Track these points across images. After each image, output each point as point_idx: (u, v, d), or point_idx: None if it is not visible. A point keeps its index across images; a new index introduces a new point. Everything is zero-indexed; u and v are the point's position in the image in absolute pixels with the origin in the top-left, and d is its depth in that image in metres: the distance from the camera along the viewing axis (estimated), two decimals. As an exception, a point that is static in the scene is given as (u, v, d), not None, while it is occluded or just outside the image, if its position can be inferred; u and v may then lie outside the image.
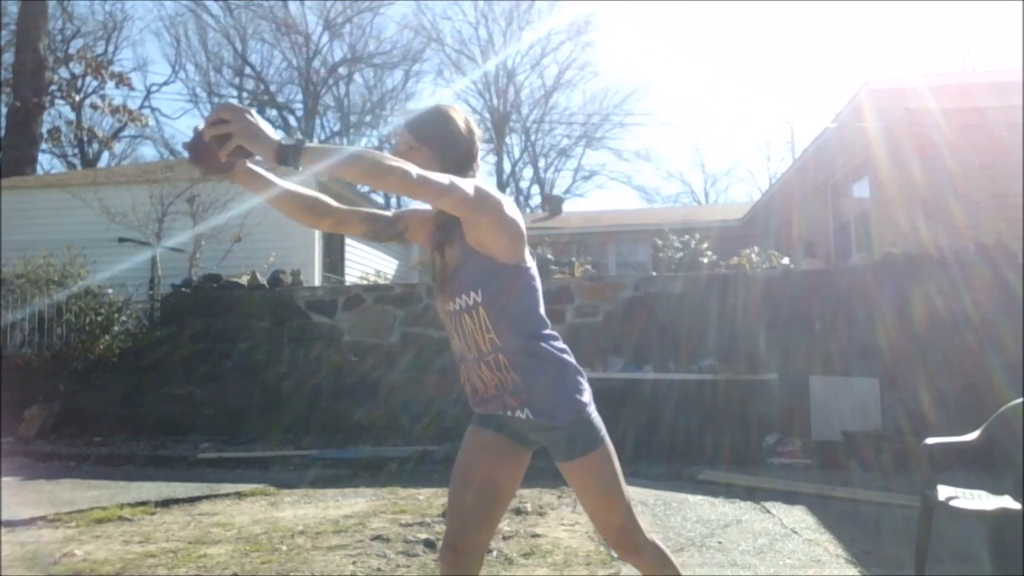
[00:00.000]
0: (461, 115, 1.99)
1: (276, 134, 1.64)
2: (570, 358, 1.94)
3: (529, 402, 1.88)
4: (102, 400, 8.68)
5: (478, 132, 2.01)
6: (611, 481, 1.92)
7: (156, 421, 8.29)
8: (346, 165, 1.63)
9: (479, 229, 1.83)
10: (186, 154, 1.72)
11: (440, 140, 1.91)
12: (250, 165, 1.86)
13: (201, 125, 1.65)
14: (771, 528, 4.30)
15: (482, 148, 2.04)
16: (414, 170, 1.64)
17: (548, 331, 1.94)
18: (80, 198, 10.81)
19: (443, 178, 1.70)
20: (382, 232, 2.07)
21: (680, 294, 7.54)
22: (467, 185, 1.75)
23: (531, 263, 1.95)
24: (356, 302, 8.35)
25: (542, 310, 1.96)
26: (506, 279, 1.87)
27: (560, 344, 1.94)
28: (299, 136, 1.62)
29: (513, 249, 1.87)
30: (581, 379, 1.93)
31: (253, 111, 1.66)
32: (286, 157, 1.60)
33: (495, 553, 3.80)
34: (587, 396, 1.92)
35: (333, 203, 2.00)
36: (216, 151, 1.62)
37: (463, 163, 1.93)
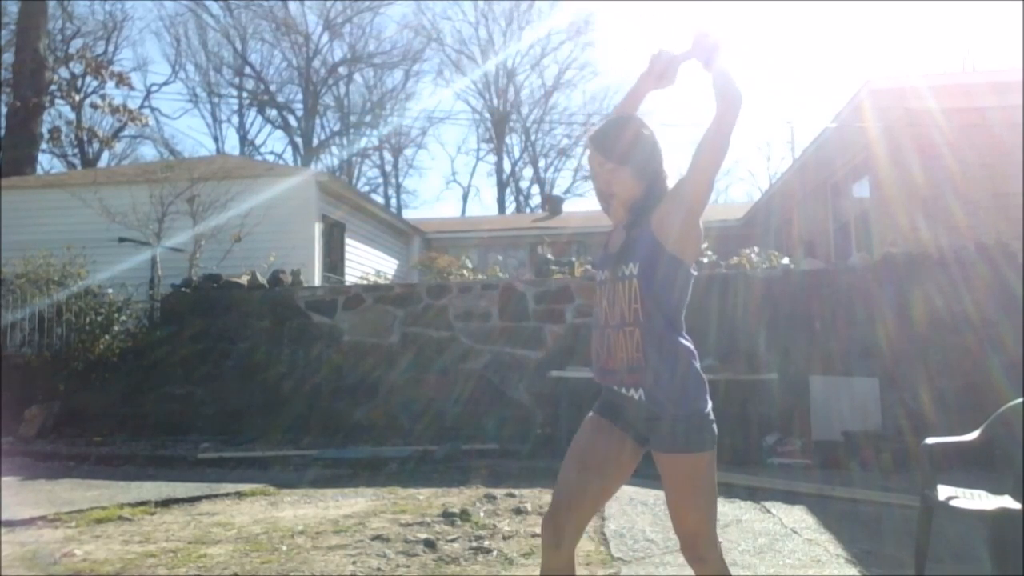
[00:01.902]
0: (638, 120, 2.10)
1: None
2: (696, 362, 1.99)
3: (645, 384, 1.93)
4: (102, 400, 8.68)
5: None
6: (703, 489, 1.95)
7: (156, 421, 8.29)
8: (731, 103, 1.95)
9: (676, 213, 1.95)
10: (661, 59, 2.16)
11: (634, 156, 2.04)
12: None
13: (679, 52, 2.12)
14: (771, 528, 4.30)
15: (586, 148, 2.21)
16: (731, 135, 1.94)
17: (684, 334, 2.01)
18: (80, 198, 10.81)
19: (727, 141, 1.96)
20: (603, 195, 2.16)
21: (680, 294, 7.53)
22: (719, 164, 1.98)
23: (694, 272, 2.06)
24: (356, 302, 8.35)
25: (683, 315, 2.04)
26: (665, 265, 1.96)
27: (691, 347, 2.00)
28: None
29: (687, 247, 1.99)
30: (706, 391, 1.97)
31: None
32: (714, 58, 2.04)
33: (495, 553, 3.80)
34: (709, 405, 1.96)
35: None
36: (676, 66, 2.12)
37: (658, 176, 2.07)
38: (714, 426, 1.95)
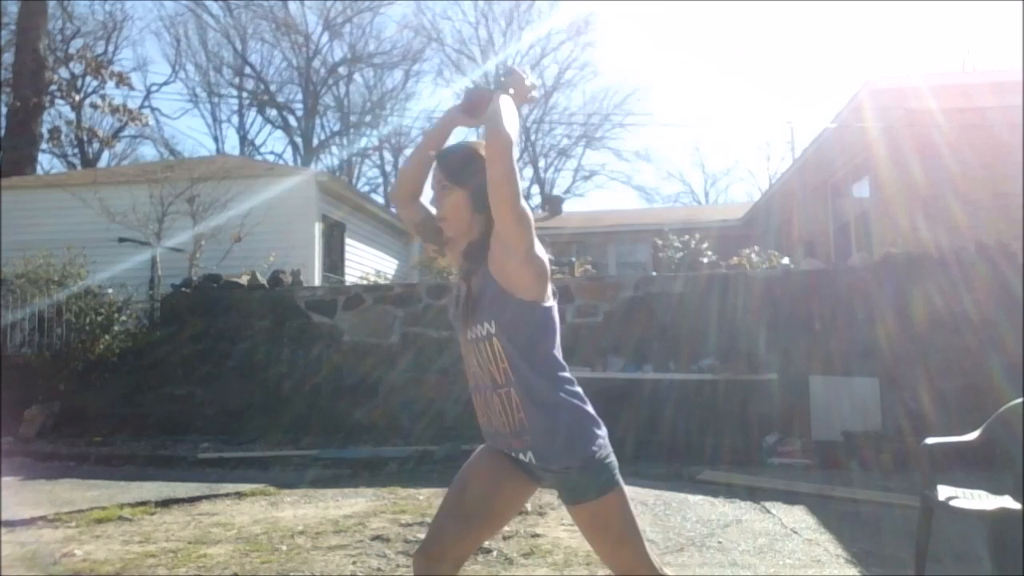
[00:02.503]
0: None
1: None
2: (584, 404, 1.88)
3: (534, 446, 1.84)
4: (102, 400, 8.68)
5: None
6: (621, 528, 1.85)
7: (156, 421, 8.29)
8: (500, 133, 1.77)
9: (508, 259, 1.81)
10: (465, 97, 2.03)
11: (473, 180, 1.89)
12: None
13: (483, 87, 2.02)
14: (771, 528, 4.30)
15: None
16: (513, 150, 1.75)
17: (563, 374, 1.89)
18: (80, 198, 10.81)
19: (517, 176, 1.77)
20: (431, 234, 2.07)
21: (680, 294, 7.54)
22: (525, 206, 1.79)
23: (551, 302, 1.93)
24: (356, 302, 8.35)
25: (558, 352, 1.92)
26: (522, 314, 1.85)
27: (575, 388, 1.89)
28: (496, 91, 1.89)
29: (535, 285, 1.85)
30: (593, 427, 1.86)
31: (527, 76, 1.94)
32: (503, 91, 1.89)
33: (495, 553, 3.80)
34: (598, 443, 1.84)
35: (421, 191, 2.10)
36: (486, 103, 1.90)
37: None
38: (611, 462, 1.84)
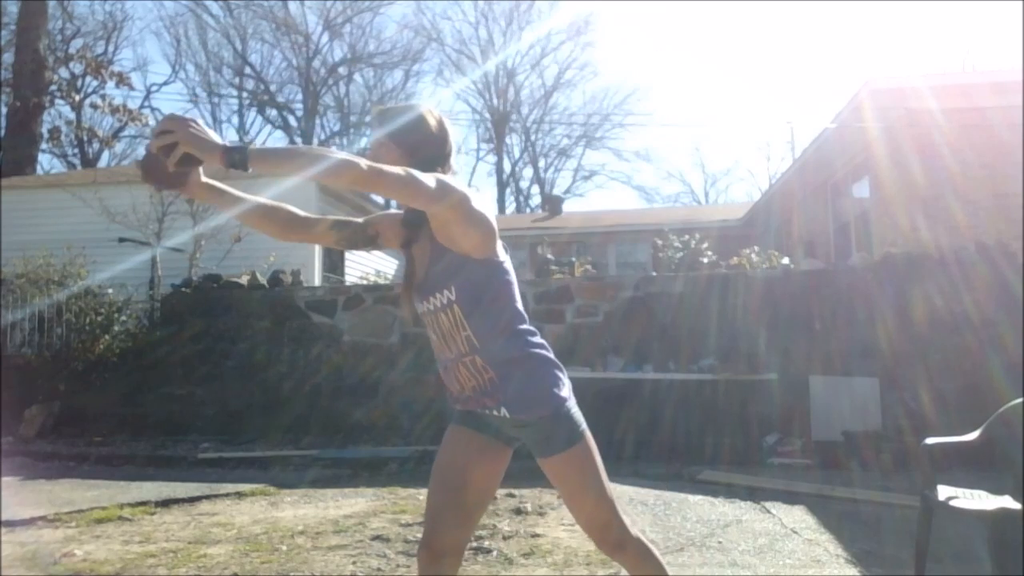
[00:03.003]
0: (435, 114, 1.96)
1: (220, 140, 1.64)
2: (548, 353, 1.91)
3: (506, 400, 1.86)
4: (102, 400, 8.68)
5: (452, 132, 1.97)
6: (592, 477, 1.88)
7: (156, 421, 8.29)
8: (294, 164, 1.63)
9: (448, 225, 1.79)
10: (139, 173, 1.73)
11: (409, 138, 1.88)
12: (208, 180, 1.85)
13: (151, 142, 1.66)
14: (771, 528, 4.30)
15: (457, 150, 2.00)
16: (363, 162, 1.62)
17: (525, 326, 1.91)
18: (80, 198, 10.81)
19: (398, 170, 1.67)
20: (353, 239, 2.03)
21: (680, 294, 7.54)
22: (427, 178, 1.71)
23: (504, 257, 1.92)
24: (356, 302, 8.35)
25: (518, 304, 1.93)
26: (478, 274, 1.85)
27: (538, 339, 1.92)
28: (244, 141, 1.64)
29: (484, 244, 1.84)
30: (559, 373, 1.91)
31: (198, 120, 1.65)
32: (233, 160, 1.61)
33: (495, 553, 3.80)
34: (566, 391, 1.89)
35: (300, 213, 1.97)
36: (165, 164, 1.64)
37: (432, 162, 1.88)
38: (578, 415, 1.88)
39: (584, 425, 1.89)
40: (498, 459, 2.02)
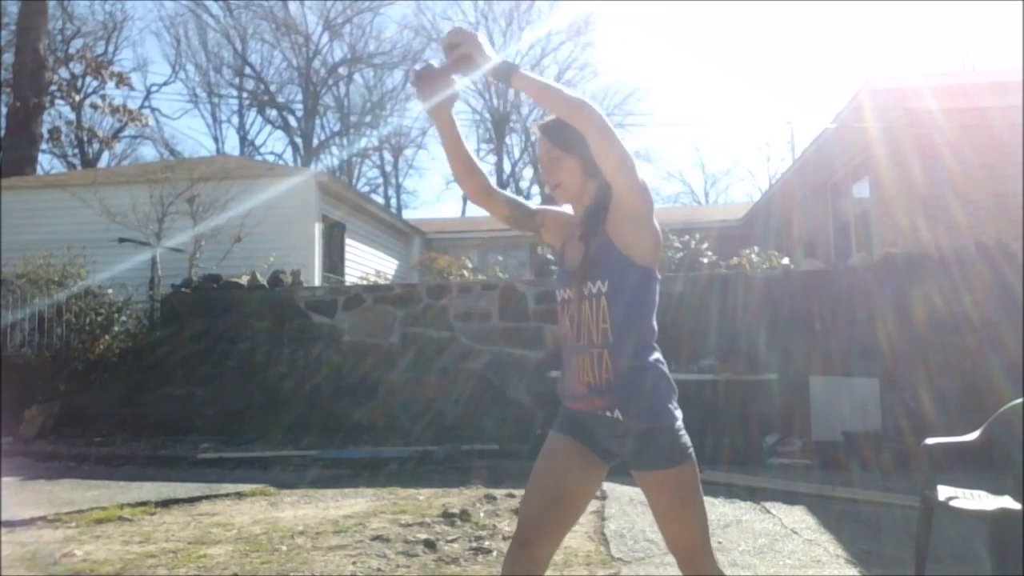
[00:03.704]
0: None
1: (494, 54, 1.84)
2: (666, 369, 1.93)
3: (621, 404, 1.86)
4: (102, 400, 8.68)
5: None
6: (690, 501, 1.89)
7: (156, 421, 8.29)
8: (545, 94, 1.83)
9: (628, 221, 1.87)
10: (413, 81, 1.92)
11: (583, 146, 1.89)
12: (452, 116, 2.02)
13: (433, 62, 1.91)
14: (771, 528, 4.30)
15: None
16: (600, 112, 1.78)
17: (655, 344, 1.95)
18: (80, 198, 10.81)
19: (619, 139, 1.80)
20: (523, 220, 2.12)
21: (680, 294, 7.54)
22: (637, 170, 1.84)
23: (659, 277, 1.98)
24: (356, 302, 8.35)
25: (655, 322, 1.97)
26: (634, 278, 1.89)
27: (661, 358, 1.95)
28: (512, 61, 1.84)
29: (651, 252, 1.91)
30: (674, 397, 1.91)
31: (480, 35, 1.87)
32: (500, 70, 1.82)
33: (495, 553, 3.80)
34: (680, 414, 1.90)
35: (490, 181, 2.11)
36: (441, 76, 1.87)
37: None
38: (686, 436, 1.89)
39: (691, 449, 1.89)
40: (596, 475, 2.01)
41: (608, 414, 1.88)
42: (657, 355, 1.93)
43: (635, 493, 5.10)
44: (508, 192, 2.16)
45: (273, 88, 34.58)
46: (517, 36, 36.10)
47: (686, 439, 1.88)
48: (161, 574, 3.54)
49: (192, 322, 8.57)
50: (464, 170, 2.06)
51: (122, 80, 14.65)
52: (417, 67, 1.91)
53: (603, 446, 1.96)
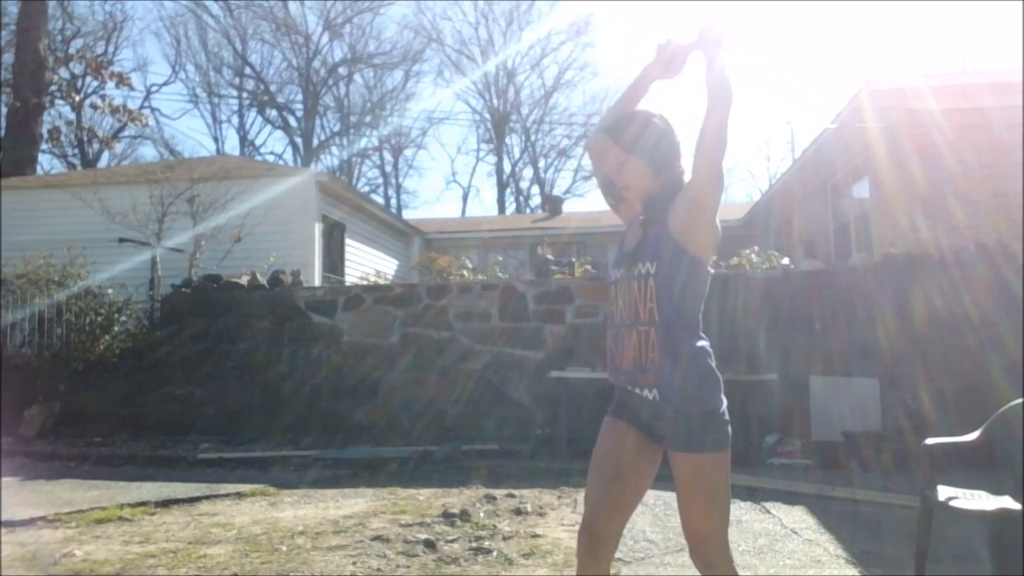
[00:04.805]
0: (664, 117, 2.06)
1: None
2: (712, 361, 1.96)
3: (658, 383, 1.91)
4: (102, 400, 8.67)
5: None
6: (717, 489, 1.90)
7: (156, 421, 8.29)
8: (725, 91, 1.89)
9: (696, 211, 1.90)
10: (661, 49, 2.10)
11: (650, 147, 2.00)
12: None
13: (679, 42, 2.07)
14: (771, 528, 4.30)
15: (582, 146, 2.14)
16: (727, 128, 1.88)
17: (701, 333, 1.99)
18: (80, 198, 10.82)
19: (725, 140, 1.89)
20: (613, 189, 2.12)
21: (680, 294, 7.53)
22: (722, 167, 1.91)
23: (711, 270, 2.02)
24: (356, 302, 8.35)
25: (700, 315, 2.01)
26: (685, 265, 1.93)
27: (708, 348, 1.98)
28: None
29: (706, 246, 1.95)
30: (720, 389, 1.94)
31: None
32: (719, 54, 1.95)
33: (495, 553, 3.80)
34: (723, 404, 1.93)
35: None
36: (682, 57, 2.06)
37: (678, 170, 2.03)
38: (728, 427, 1.91)
39: (727, 440, 1.92)
40: (650, 457, 2.06)
41: (647, 394, 1.93)
42: (704, 343, 1.97)
43: (635, 493, 5.09)
44: None
45: (273, 88, 34.62)
46: (517, 36, 36.14)
47: (726, 428, 1.91)
48: (161, 574, 3.54)
49: (192, 322, 8.57)
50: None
51: (122, 80, 14.63)
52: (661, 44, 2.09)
53: (649, 427, 2.01)
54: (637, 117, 2.06)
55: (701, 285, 1.99)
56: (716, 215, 1.95)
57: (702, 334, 1.99)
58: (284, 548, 3.95)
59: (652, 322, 1.92)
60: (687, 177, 2.00)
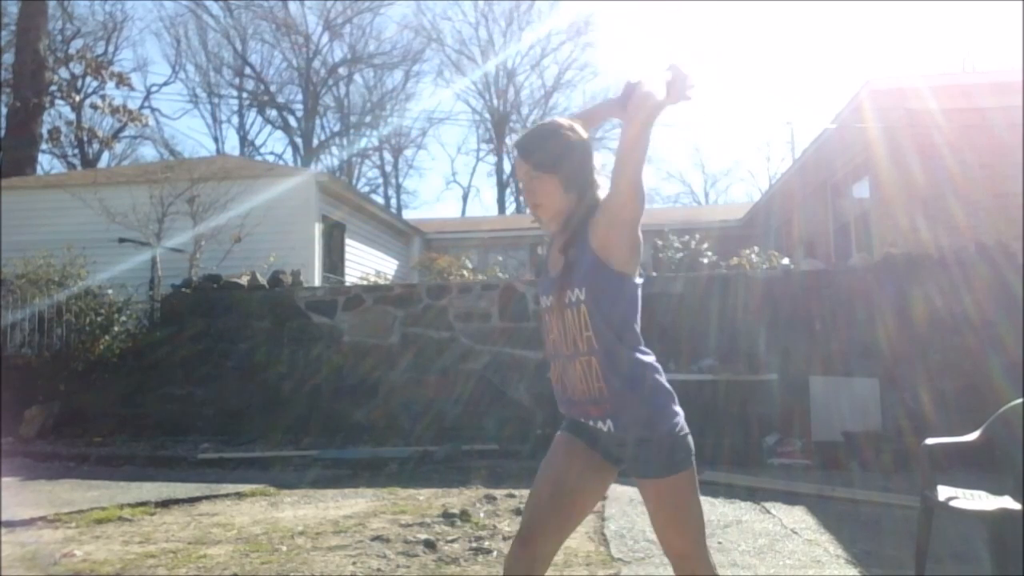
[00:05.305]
0: (567, 123, 1.99)
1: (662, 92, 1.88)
2: (662, 379, 1.91)
3: (612, 414, 1.86)
4: (102, 400, 8.68)
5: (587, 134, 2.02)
6: (688, 506, 1.88)
7: (156, 421, 8.29)
8: (647, 89, 1.84)
9: (614, 228, 1.84)
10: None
11: (563, 165, 1.93)
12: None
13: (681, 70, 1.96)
14: (771, 528, 4.30)
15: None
16: (646, 141, 1.83)
17: (643, 348, 1.93)
18: (80, 198, 10.81)
19: (641, 157, 1.83)
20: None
21: (680, 294, 7.54)
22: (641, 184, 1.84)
23: (639, 280, 1.96)
24: (356, 302, 8.35)
25: (638, 328, 1.94)
26: (613, 285, 1.87)
27: (655, 364, 1.93)
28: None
29: (629, 261, 1.89)
30: (672, 403, 1.89)
31: (682, 72, 1.91)
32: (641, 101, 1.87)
33: (495, 553, 3.80)
34: (677, 419, 1.88)
35: None
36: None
37: (589, 182, 1.96)
38: (688, 440, 1.87)
39: (692, 455, 1.88)
40: (602, 477, 2.00)
41: (602, 426, 1.87)
42: (649, 359, 1.92)
43: (635, 493, 5.08)
44: None
45: (273, 88, 34.62)
46: (517, 36, 36.14)
47: (687, 443, 1.86)
48: (161, 574, 3.54)
49: (192, 322, 8.57)
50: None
51: (122, 80, 14.64)
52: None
53: (606, 450, 1.95)
54: (545, 130, 1.98)
55: (634, 300, 1.93)
56: (637, 229, 1.88)
57: (644, 348, 1.93)
58: (284, 548, 3.95)
59: (592, 351, 1.85)
60: (603, 193, 1.93)
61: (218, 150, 31.74)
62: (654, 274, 8.24)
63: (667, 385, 1.91)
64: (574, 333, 1.88)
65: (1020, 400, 3.06)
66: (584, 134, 1.99)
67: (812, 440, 6.56)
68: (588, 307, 1.85)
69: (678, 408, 1.89)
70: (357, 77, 36.18)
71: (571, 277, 1.89)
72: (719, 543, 3.98)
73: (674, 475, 1.84)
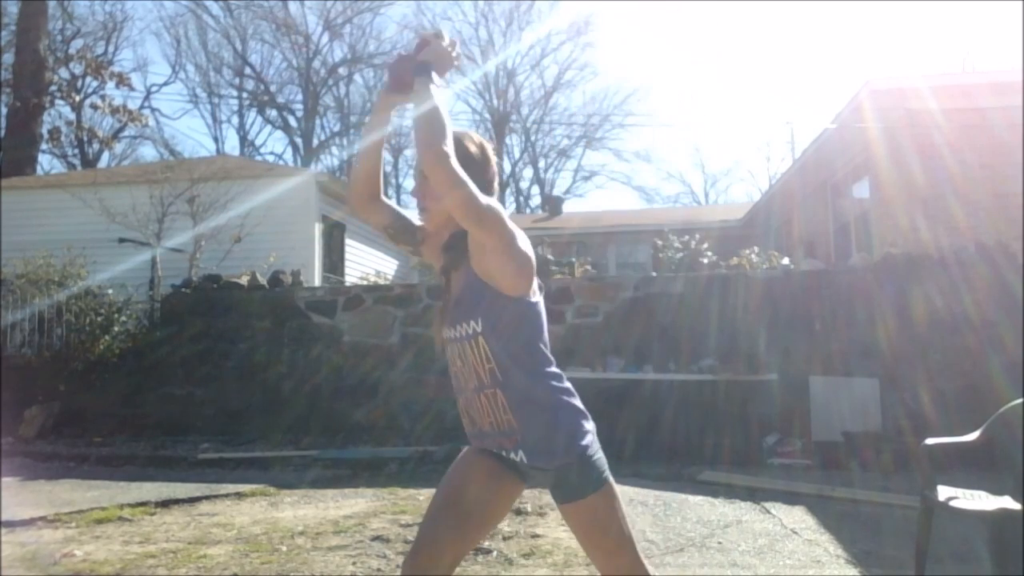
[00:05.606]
0: (476, 140, 1.92)
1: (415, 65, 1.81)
2: (573, 399, 1.85)
3: (524, 444, 1.79)
4: (102, 400, 8.68)
5: (495, 159, 1.94)
6: (612, 523, 1.82)
7: (156, 421, 8.29)
8: (424, 121, 1.70)
9: (487, 254, 1.75)
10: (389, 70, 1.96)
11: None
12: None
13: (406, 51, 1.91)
14: (771, 528, 4.30)
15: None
16: (452, 162, 1.64)
17: (550, 369, 1.86)
18: (80, 198, 10.81)
19: (466, 177, 1.66)
20: (403, 234, 2.00)
21: (680, 294, 7.54)
22: (484, 197, 1.70)
23: (538, 297, 1.87)
24: (356, 302, 8.35)
25: (545, 347, 1.87)
26: (509, 311, 1.79)
27: (563, 384, 1.86)
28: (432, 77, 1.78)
29: (519, 282, 1.79)
30: (583, 421, 1.83)
31: (447, 42, 1.84)
32: (416, 79, 1.78)
33: (495, 553, 3.80)
34: (588, 438, 1.81)
35: (382, 192, 2.00)
36: (409, 71, 1.82)
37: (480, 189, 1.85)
38: (602, 458, 1.81)
39: (607, 471, 1.83)
40: (508, 491, 1.94)
41: (515, 457, 1.82)
42: (556, 382, 1.84)
43: (634, 493, 5.10)
44: (394, 205, 2.04)
45: (273, 88, 34.59)
46: (517, 37, 36.14)
47: (599, 463, 1.80)
48: (161, 574, 3.54)
49: (192, 322, 8.56)
50: (364, 178, 1.97)
51: (122, 80, 14.65)
52: (390, 60, 1.93)
53: (519, 468, 1.89)
54: (454, 136, 1.88)
55: (535, 320, 1.85)
56: (515, 245, 1.75)
57: (551, 369, 1.85)
58: (284, 548, 3.95)
59: (496, 383, 1.78)
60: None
61: (218, 150, 31.71)
62: (654, 274, 8.24)
63: (577, 404, 1.85)
64: (476, 366, 1.81)
65: (1020, 400, 3.06)
66: (487, 153, 1.92)
67: (812, 440, 6.56)
68: (487, 338, 1.78)
69: (589, 425, 1.83)
70: (357, 77, 36.17)
71: (463, 308, 1.81)
72: (719, 543, 3.98)
73: (590, 496, 1.79)
